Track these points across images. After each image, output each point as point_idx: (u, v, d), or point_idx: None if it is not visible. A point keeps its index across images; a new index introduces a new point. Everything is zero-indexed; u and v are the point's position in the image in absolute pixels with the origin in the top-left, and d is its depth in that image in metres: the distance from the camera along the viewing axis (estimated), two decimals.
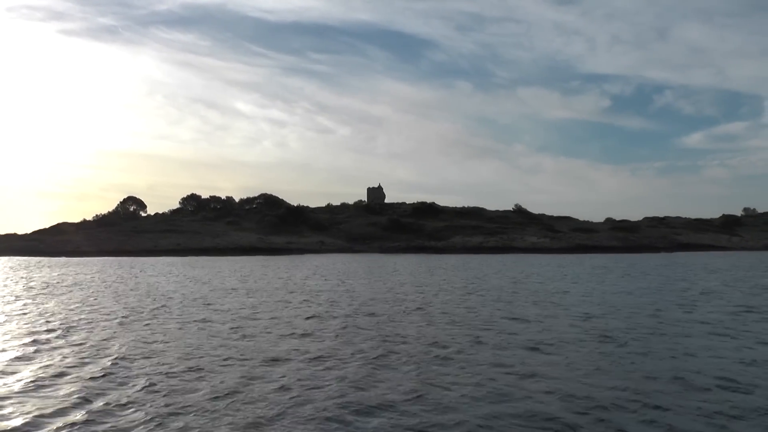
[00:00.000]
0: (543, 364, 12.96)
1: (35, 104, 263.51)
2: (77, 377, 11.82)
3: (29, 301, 26.99)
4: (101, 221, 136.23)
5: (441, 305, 24.70)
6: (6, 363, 13.09)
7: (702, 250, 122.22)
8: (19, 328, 18.30)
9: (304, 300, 27.13)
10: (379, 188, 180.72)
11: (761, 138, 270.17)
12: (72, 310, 23.55)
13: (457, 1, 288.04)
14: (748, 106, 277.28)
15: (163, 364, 12.92)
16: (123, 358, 13.55)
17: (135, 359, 13.51)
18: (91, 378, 11.72)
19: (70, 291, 32.28)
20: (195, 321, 20.12)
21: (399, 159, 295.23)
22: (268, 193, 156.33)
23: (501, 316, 21.25)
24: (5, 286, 36.13)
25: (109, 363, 13.05)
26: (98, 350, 14.67)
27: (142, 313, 22.49)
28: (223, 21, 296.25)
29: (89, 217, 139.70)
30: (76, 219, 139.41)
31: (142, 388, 10.95)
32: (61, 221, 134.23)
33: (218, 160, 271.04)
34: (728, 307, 23.95)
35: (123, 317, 21.08)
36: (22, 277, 44.56)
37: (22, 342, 15.79)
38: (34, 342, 15.77)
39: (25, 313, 22.21)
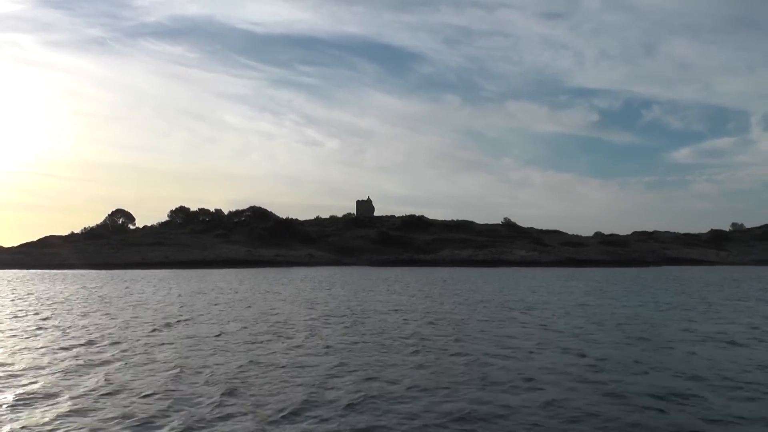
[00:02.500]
0: None
1: (22, 115, 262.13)
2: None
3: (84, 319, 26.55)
4: (89, 234, 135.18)
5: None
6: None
7: (690, 265, 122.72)
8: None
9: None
10: (368, 201, 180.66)
11: (748, 154, 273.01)
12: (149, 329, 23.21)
13: (444, 15, 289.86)
14: (735, 121, 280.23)
15: None
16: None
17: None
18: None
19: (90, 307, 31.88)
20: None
21: (387, 172, 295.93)
22: (257, 205, 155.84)
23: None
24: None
25: None
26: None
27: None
28: (212, 33, 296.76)
29: (77, 230, 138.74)
30: (63, 232, 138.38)
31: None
32: (48, 234, 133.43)
33: (207, 173, 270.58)
34: None
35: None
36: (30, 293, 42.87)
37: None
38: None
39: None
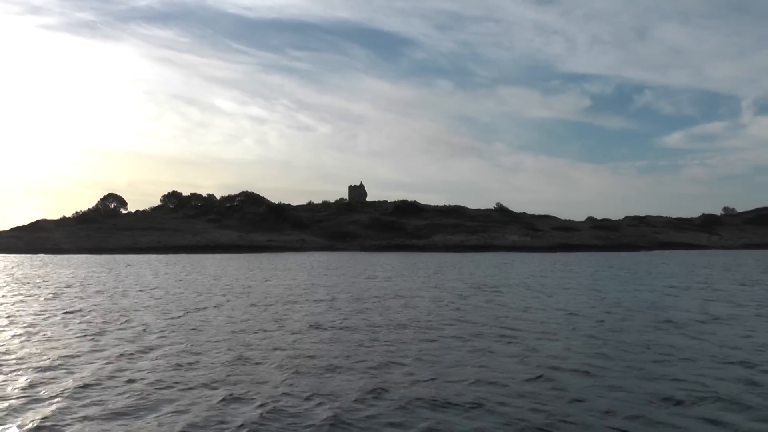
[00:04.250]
0: None
1: (13, 100, 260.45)
2: None
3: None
4: (81, 218, 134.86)
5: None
6: None
7: (682, 249, 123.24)
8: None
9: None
10: (361, 186, 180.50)
11: (739, 138, 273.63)
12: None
13: (436, 0, 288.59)
14: (726, 106, 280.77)
15: None
16: None
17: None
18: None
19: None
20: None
21: (380, 157, 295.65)
22: (249, 190, 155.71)
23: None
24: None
25: None
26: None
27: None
28: (203, 17, 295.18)
29: (69, 214, 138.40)
30: (55, 216, 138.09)
31: None
32: (40, 218, 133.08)
33: (199, 157, 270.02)
34: None
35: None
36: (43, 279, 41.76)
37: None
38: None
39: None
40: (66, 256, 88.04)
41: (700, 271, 49.71)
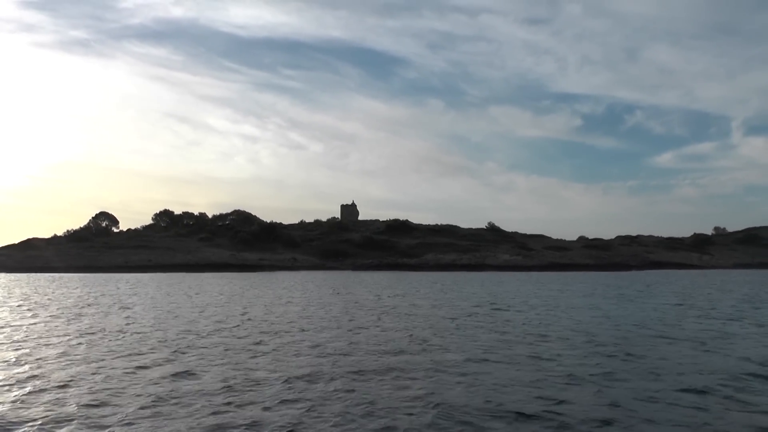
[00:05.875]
0: None
1: (5, 116, 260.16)
2: None
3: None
4: (72, 236, 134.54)
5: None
6: None
7: (673, 269, 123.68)
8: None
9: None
10: (353, 205, 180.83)
11: (730, 158, 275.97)
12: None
13: (428, 20, 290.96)
14: (716, 126, 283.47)
15: None
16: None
17: None
18: None
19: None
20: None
21: (371, 176, 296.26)
22: (241, 209, 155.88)
23: None
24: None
25: None
26: None
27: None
28: (196, 36, 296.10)
29: (60, 233, 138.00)
30: (46, 234, 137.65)
31: None
32: (31, 236, 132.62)
33: (191, 176, 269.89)
34: None
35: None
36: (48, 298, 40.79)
37: None
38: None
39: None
40: (57, 275, 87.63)
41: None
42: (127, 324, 23.74)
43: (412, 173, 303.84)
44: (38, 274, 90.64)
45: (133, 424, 9.80)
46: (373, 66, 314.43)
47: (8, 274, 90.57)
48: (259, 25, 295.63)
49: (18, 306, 33.00)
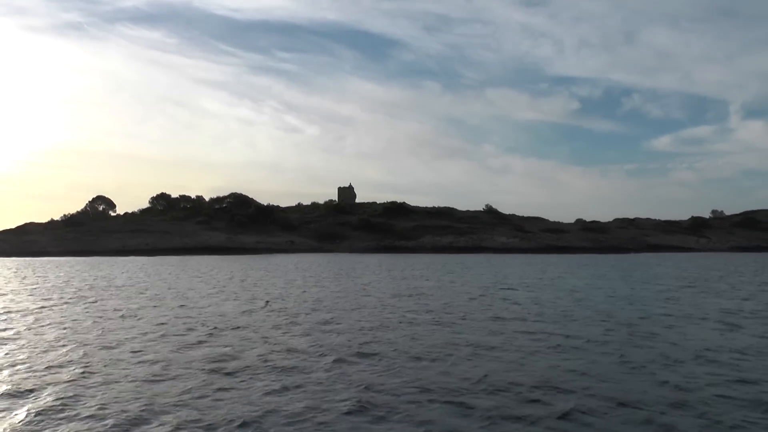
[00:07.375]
0: None
1: None
2: None
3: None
4: (69, 221, 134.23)
5: None
6: None
7: (671, 252, 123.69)
8: None
9: None
10: (350, 188, 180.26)
11: (727, 142, 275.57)
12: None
13: (424, 2, 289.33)
14: (714, 110, 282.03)
15: None
16: None
17: None
18: None
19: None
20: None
21: (368, 159, 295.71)
22: (238, 192, 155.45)
23: None
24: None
25: None
26: None
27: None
28: (190, 18, 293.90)
29: (57, 217, 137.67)
30: (43, 219, 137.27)
31: None
32: (27, 221, 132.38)
33: (187, 159, 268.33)
34: None
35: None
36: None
37: None
38: None
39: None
40: (54, 259, 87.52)
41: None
42: (181, 306, 23.58)
43: (409, 156, 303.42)
44: (35, 258, 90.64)
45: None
46: (369, 48, 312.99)
47: (5, 258, 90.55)
48: (254, 8, 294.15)
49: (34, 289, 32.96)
